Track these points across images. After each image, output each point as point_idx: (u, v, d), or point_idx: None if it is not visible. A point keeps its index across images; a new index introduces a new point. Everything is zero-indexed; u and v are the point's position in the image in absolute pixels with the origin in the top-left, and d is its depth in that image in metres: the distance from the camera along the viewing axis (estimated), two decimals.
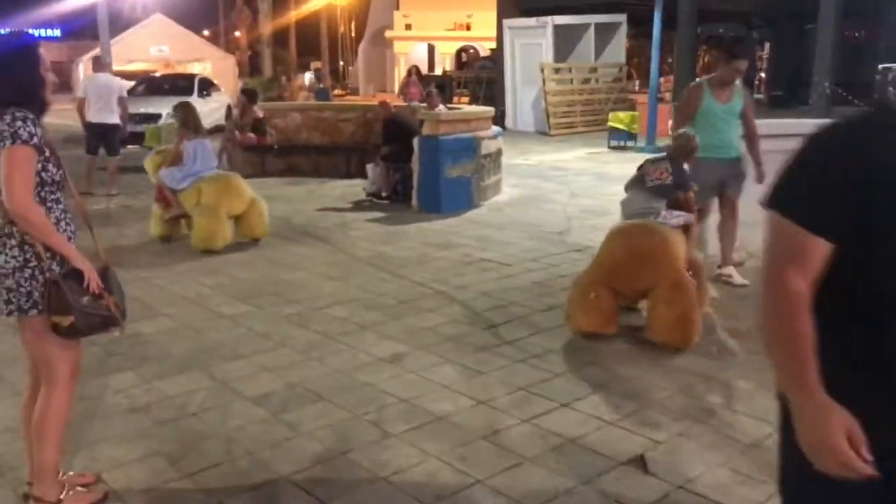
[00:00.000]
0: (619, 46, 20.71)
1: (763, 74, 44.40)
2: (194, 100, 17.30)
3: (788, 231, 1.49)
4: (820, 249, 1.47)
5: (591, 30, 19.78)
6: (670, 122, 17.20)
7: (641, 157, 6.28)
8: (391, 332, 4.74)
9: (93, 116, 9.77)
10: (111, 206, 9.25)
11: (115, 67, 16.38)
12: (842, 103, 17.89)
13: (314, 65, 54.54)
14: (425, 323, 4.89)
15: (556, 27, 18.80)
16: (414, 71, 18.07)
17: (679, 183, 4.92)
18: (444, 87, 20.40)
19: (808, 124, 6.95)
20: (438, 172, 8.72)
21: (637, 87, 24.16)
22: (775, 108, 26.95)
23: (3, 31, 2.96)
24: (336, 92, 39.33)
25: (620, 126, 15.35)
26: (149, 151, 12.52)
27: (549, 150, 15.17)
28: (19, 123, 2.49)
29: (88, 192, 9.75)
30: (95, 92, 9.79)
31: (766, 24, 34.29)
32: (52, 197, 2.64)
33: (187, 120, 7.15)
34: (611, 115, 16.04)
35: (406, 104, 13.82)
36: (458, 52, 44.53)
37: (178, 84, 18.43)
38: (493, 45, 27.64)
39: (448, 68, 38.99)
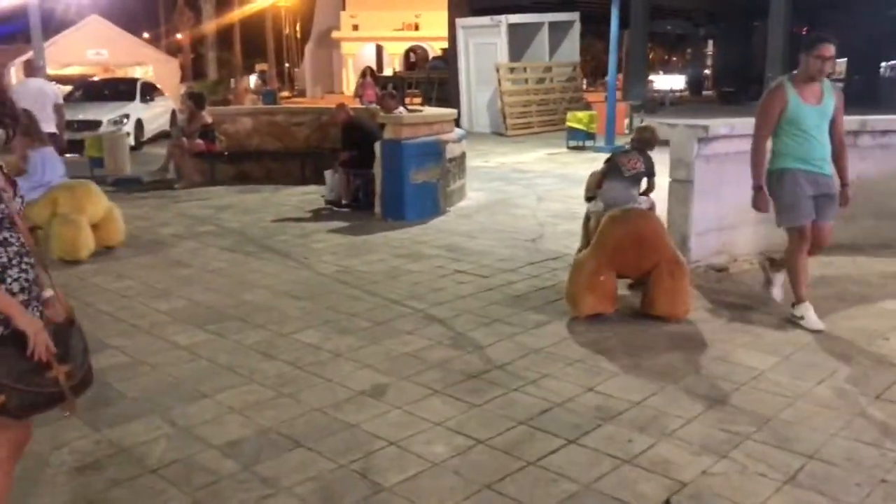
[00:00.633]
0: (572, 45, 20.59)
1: (707, 71, 45.07)
2: (137, 105, 16.63)
3: None
4: None
5: (545, 28, 19.61)
6: (626, 121, 17.12)
7: (602, 157, 6.67)
8: (369, 359, 4.33)
9: None
10: None
11: (50, 72, 15.51)
12: None
13: (259, 67, 53.47)
14: (406, 347, 4.49)
15: (510, 26, 18.56)
16: (369, 72, 17.61)
17: (650, 171, 5.65)
18: (395, 89, 19.99)
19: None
20: (403, 178, 8.32)
21: (585, 86, 24.12)
22: (726, 105, 27.30)
23: None
24: (283, 94, 38.53)
25: (579, 126, 15.15)
26: (91, 161, 11.93)
27: (509, 152, 14.89)
28: None
29: None
30: (28, 99, 9.08)
31: (712, 21, 34.74)
32: None
33: (29, 129, 6.62)
34: (569, 114, 15.84)
35: (363, 107, 13.37)
36: (407, 53, 44.12)
37: (119, 88, 17.61)
38: (443, 44, 27.36)
39: (397, 69, 38.55)
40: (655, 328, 4.72)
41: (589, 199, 5.86)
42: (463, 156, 9.73)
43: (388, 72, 35.48)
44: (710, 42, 43.11)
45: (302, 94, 46.95)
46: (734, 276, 5.88)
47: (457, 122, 16.95)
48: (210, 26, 32.34)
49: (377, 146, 8.42)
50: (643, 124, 5.71)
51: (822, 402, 3.63)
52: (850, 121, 5.74)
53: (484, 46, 18.86)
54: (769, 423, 3.42)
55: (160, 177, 11.35)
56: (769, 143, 4.79)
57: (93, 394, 3.83)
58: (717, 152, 6.00)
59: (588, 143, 15.16)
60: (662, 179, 5.95)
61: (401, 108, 9.75)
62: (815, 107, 4.58)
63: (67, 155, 10.71)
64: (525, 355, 4.30)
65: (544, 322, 4.87)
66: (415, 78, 27.58)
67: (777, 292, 5.19)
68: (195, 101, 11.27)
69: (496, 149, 15.38)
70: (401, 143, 8.29)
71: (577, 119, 15.29)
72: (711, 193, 5.97)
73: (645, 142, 5.70)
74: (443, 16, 25.50)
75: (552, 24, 19.79)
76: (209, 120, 11.11)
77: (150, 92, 18.03)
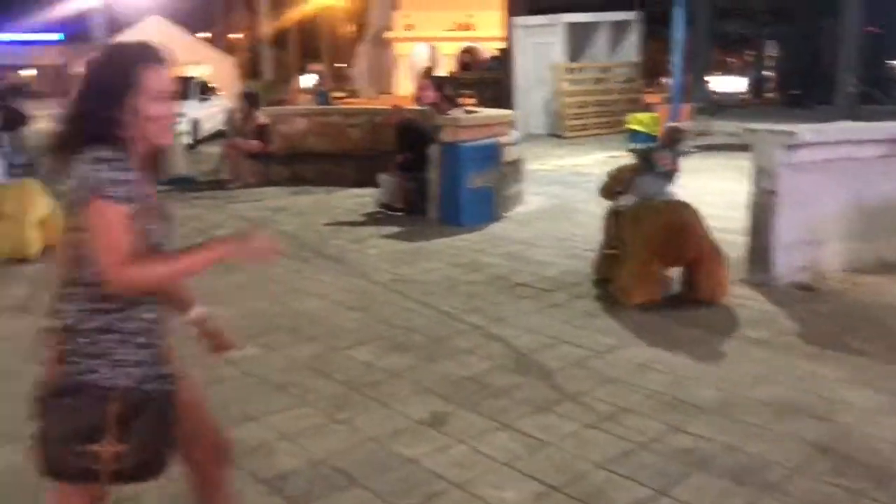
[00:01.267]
0: (631, 45, 20.00)
1: (768, 73, 43.73)
2: (192, 104, 16.66)
3: None
4: None
5: (604, 28, 19.09)
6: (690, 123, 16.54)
7: None
8: (427, 381, 4.03)
9: None
10: None
11: None
12: (869, 102, 17.19)
13: (313, 67, 53.87)
14: (466, 370, 4.17)
15: (569, 25, 18.10)
16: (429, 73, 17.33)
17: (677, 167, 5.69)
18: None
19: (885, 128, 6.28)
20: (459, 182, 8.00)
21: (644, 87, 23.48)
22: (792, 108, 26.27)
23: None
24: (336, 95, 38.67)
25: (641, 128, 14.63)
26: None
27: (566, 154, 14.45)
28: (100, 168, 1.79)
29: None
30: None
31: (777, 21, 33.62)
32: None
33: None
34: (630, 116, 15.32)
35: (421, 108, 13.09)
36: (461, 53, 43.88)
37: (177, 88, 17.68)
38: (496, 45, 26.93)
39: (450, 69, 38.32)
40: (739, 352, 4.31)
41: (613, 194, 5.78)
42: (520, 159, 9.38)
43: (441, 72, 35.26)
44: (772, 43, 41.82)
45: (355, 94, 47.10)
46: (824, 296, 5.40)
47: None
48: (267, 25, 32.49)
49: (432, 149, 8.13)
50: (673, 124, 6.60)
51: None
52: None
53: (541, 46, 18.43)
54: (890, 478, 2.99)
55: (214, 177, 11.26)
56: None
57: None
58: (803, 160, 5.54)
59: (651, 146, 14.63)
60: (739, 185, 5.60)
61: (458, 110, 9.43)
62: None
63: None
64: (599, 384, 3.93)
65: (616, 346, 4.49)
66: (469, 78, 27.24)
67: None
68: (250, 100, 11.16)
69: (553, 151, 14.95)
70: (458, 146, 7.98)
71: (638, 121, 14.77)
72: (798, 205, 5.51)
73: (675, 141, 6.15)
74: (496, 16, 25.07)
75: (611, 24, 19.25)
76: (264, 120, 10.97)
77: (206, 91, 18.08)
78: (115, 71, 1.89)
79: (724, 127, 15.15)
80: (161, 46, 1.97)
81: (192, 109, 16.44)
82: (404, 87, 44.66)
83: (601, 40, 19.15)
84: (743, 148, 6.78)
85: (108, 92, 1.87)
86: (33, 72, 64.28)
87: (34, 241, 6.72)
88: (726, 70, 53.76)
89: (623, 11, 19.68)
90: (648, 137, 14.69)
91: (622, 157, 14.08)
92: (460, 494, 2.92)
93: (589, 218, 8.46)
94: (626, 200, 5.61)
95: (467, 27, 41.47)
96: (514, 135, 9.28)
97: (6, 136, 9.92)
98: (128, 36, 32.26)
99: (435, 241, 7.34)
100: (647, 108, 17.79)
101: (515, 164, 9.08)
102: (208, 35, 47.37)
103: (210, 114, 17.55)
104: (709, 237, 5.21)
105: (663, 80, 28.45)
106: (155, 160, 1.99)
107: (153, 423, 1.90)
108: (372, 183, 9.87)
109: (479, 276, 6.10)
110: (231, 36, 49.07)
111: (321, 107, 17.35)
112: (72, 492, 1.93)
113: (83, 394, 1.84)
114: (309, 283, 6.01)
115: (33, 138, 12.05)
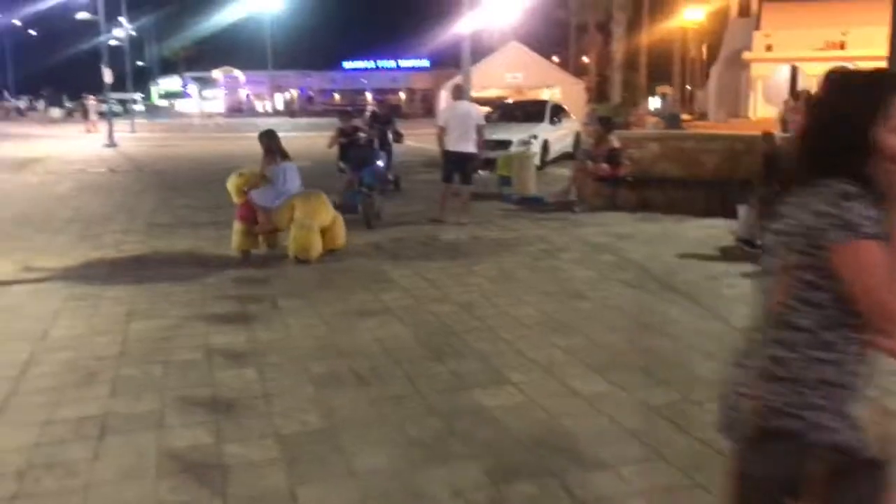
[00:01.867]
0: None
1: None
2: (545, 126, 17.20)
3: None
4: None
5: None
6: None
7: None
8: None
9: (451, 145, 9.72)
10: (461, 235, 9.05)
11: (472, 94, 16.83)
12: None
13: (660, 89, 52.83)
14: None
15: None
16: (805, 96, 15.82)
17: None
18: None
19: None
20: None
21: None
22: None
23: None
24: (683, 118, 37.39)
25: None
26: (500, 179, 12.54)
27: None
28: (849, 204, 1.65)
29: (440, 220, 9.74)
30: (455, 121, 9.73)
31: None
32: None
33: (271, 147, 7.86)
34: None
35: (787, 134, 11.95)
36: (827, 74, 39.71)
37: (530, 110, 18.44)
38: (873, 65, 23.76)
39: (812, 91, 34.84)
40: None
41: None
42: None
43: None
44: None
45: (703, 117, 45.18)
46: None
47: None
48: (619, 48, 32.62)
49: None
50: None
51: None
52: None
53: None
54: None
55: (562, 198, 11.41)
56: None
57: (486, 433, 3.62)
58: None
59: None
60: None
61: None
62: None
63: (480, 172, 11.35)
64: None
65: None
66: None
67: None
68: (603, 124, 11.10)
69: None
70: None
71: None
72: None
73: None
74: (876, 32, 22.08)
75: None
76: (617, 144, 10.84)
77: (557, 113, 18.57)
78: (860, 99, 1.73)
79: None
80: None
81: (544, 132, 16.96)
82: (760, 111, 41.76)
83: None
84: None
85: (852, 121, 1.71)
86: (402, 95, 72.47)
87: (317, 245, 7.46)
88: None
89: None
90: None
91: None
92: None
93: None
94: None
95: (840, 46, 37.45)
96: None
97: (383, 154, 11.12)
98: (489, 61, 34.69)
99: None
100: None
101: None
102: (558, 59, 49.15)
103: (559, 136, 17.97)
104: None
105: None
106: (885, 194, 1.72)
107: (864, 493, 1.71)
108: (724, 213, 9.18)
109: None
110: (581, 59, 50.29)
111: (675, 131, 16.78)
112: None
113: (786, 440, 1.72)
114: (659, 319, 5.66)
115: (399, 156, 13.32)
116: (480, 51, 35.11)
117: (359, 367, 4.59)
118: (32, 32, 65.38)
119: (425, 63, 71.29)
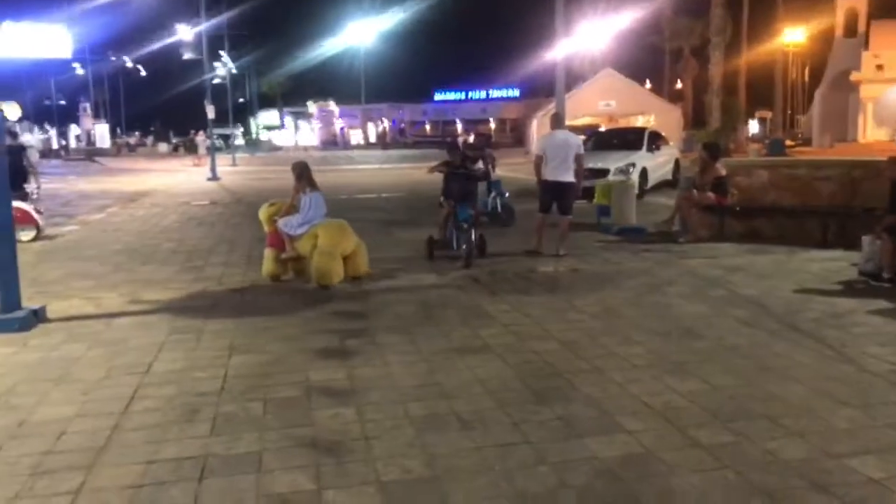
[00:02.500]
0: None
1: None
2: (643, 154, 16.73)
3: None
4: None
5: None
6: None
7: None
8: None
9: (549, 174, 9.47)
10: (559, 268, 8.75)
11: (566, 122, 16.50)
12: None
13: (760, 114, 51.02)
14: None
15: None
16: None
17: None
18: None
19: None
20: None
21: None
22: None
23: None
24: (786, 143, 35.82)
25: None
26: (598, 208, 12.17)
27: None
28: None
29: (537, 252, 9.48)
30: (553, 150, 9.49)
31: None
32: None
33: (302, 176, 8.08)
34: None
35: None
36: None
37: (628, 138, 18.01)
38: None
39: None
40: None
41: None
42: None
43: None
44: None
45: (807, 142, 43.25)
46: None
47: None
48: (716, 72, 31.60)
49: None
50: None
51: None
52: None
53: None
54: None
55: (665, 228, 10.95)
56: None
57: (606, 492, 3.32)
58: None
59: None
60: None
61: None
62: None
63: (578, 201, 11.02)
64: None
65: None
66: None
67: None
68: (710, 151, 10.62)
69: None
70: None
71: None
72: None
73: None
74: None
75: None
76: (723, 172, 10.34)
77: (655, 140, 18.05)
78: None
79: None
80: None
81: (643, 159, 16.49)
82: (871, 133, 39.58)
83: None
84: None
85: None
86: (492, 124, 72.80)
87: (338, 271, 7.66)
88: None
89: None
90: None
91: None
92: None
93: None
94: None
95: None
96: None
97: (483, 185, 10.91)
98: (582, 89, 34.35)
99: None
100: None
101: None
102: (651, 86, 48.22)
103: (658, 163, 17.45)
104: None
105: None
106: None
107: None
108: (843, 244, 8.58)
109: None
110: (675, 85, 49.19)
111: (784, 157, 16.00)
112: None
113: None
114: (781, 361, 5.21)
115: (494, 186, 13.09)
116: (571, 78, 34.82)
117: (461, 410, 4.38)
118: (143, 72, 69.23)
119: (515, 93, 71.46)
